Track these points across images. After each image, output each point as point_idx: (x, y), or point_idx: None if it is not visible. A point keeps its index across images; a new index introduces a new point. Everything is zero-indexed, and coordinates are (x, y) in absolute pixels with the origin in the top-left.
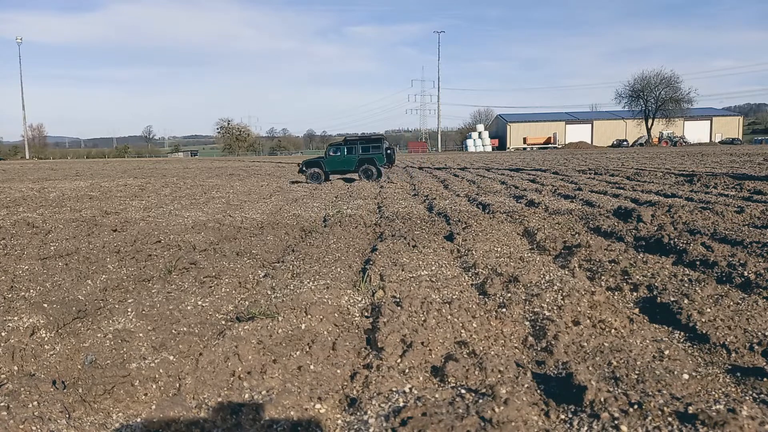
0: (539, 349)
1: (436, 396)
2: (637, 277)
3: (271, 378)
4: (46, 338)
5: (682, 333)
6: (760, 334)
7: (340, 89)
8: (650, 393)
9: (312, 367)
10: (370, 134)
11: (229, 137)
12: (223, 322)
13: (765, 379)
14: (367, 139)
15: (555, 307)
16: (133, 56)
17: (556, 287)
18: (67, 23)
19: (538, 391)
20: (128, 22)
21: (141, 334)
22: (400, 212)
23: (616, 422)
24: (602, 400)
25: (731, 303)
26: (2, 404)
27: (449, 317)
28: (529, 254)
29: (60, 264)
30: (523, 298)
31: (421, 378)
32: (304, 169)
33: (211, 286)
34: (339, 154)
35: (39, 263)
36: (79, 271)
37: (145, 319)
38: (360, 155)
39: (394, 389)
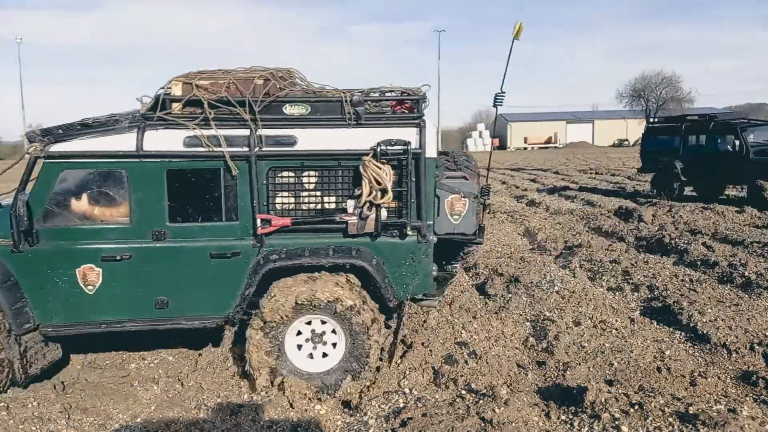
0: (540, 349)
1: (436, 397)
2: (638, 277)
3: None
4: None
5: (682, 333)
6: (760, 334)
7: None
8: (651, 393)
9: None
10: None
11: None
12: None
13: (765, 380)
14: None
15: (556, 308)
16: (134, 56)
17: (556, 287)
18: (67, 23)
19: (539, 391)
20: (128, 22)
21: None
22: None
23: (616, 423)
24: (603, 400)
25: (732, 303)
26: (2, 404)
27: (449, 317)
28: (530, 254)
29: None
30: (524, 298)
31: (421, 379)
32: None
33: None
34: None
35: None
36: None
37: None
38: None
39: (394, 390)
